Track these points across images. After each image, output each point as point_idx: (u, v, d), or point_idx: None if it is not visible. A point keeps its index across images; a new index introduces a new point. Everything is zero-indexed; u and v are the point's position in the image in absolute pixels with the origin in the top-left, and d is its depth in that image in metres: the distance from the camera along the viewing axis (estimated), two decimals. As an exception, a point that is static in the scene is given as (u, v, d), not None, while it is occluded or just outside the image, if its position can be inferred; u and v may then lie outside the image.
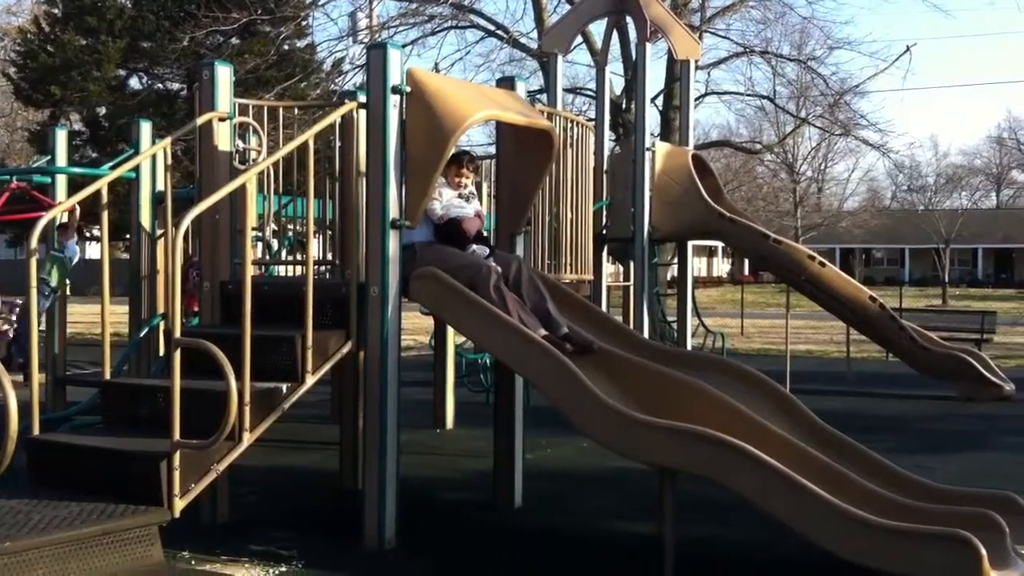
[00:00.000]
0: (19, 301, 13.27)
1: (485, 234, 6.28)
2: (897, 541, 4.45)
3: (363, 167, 5.85)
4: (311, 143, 5.56)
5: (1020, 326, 25.21)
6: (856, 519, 4.52)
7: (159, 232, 8.75)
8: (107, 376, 5.62)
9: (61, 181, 9.23)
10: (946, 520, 4.68)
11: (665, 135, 18.56)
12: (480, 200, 6.39)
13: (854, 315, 11.87)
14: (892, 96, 56.29)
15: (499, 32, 20.75)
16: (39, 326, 5.57)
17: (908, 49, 21.48)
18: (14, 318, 13.72)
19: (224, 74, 6.16)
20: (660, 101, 20.31)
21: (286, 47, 24.45)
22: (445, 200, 6.03)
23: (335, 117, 6.07)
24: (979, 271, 61.64)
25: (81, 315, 19.13)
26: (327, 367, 5.54)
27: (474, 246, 6.01)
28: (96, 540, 4.13)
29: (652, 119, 18.70)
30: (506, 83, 6.86)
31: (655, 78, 19.96)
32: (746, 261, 56.38)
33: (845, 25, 53.73)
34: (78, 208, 8.92)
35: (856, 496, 4.86)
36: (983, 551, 4.27)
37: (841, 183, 58.15)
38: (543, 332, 5.58)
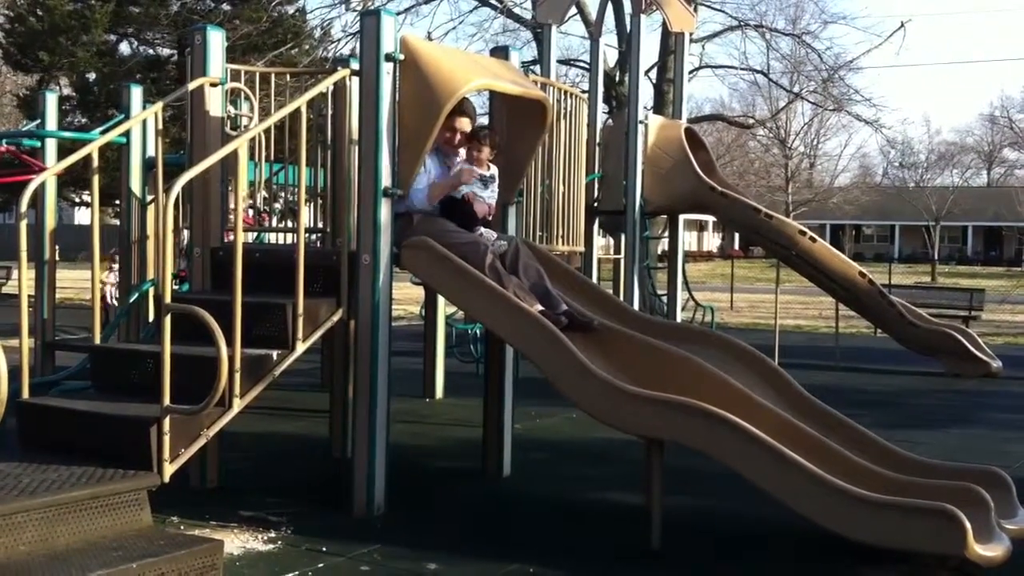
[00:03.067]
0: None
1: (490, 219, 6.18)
2: (883, 514, 4.50)
3: (355, 135, 5.82)
4: (303, 110, 5.53)
5: (1008, 303, 25.34)
6: (842, 491, 4.57)
7: (149, 198, 8.71)
8: (97, 341, 5.61)
9: (51, 145, 9.16)
10: (931, 494, 4.73)
11: (658, 108, 18.52)
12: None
13: (844, 291, 11.96)
14: (886, 72, 56.19)
15: (493, 2, 20.61)
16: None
17: (902, 25, 21.48)
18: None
19: (216, 39, 6.11)
20: (654, 74, 20.25)
21: (276, 13, 24.23)
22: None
23: (327, 84, 6.03)
24: (969, 248, 61.91)
25: (72, 280, 19.05)
26: (318, 335, 5.54)
27: (482, 229, 5.94)
28: (85, 504, 4.13)
29: (645, 92, 18.63)
30: (500, 53, 6.83)
31: (649, 50, 20.01)
32: (736, 236, 56.47)
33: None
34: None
35: (843, 469, 4.91)
36: (968, 524, 4.32)
37: (833, 159, 58.26)
38: (539, 308, 5.57)
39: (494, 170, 6.07)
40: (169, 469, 4.51)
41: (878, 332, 14.31)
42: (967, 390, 11.31)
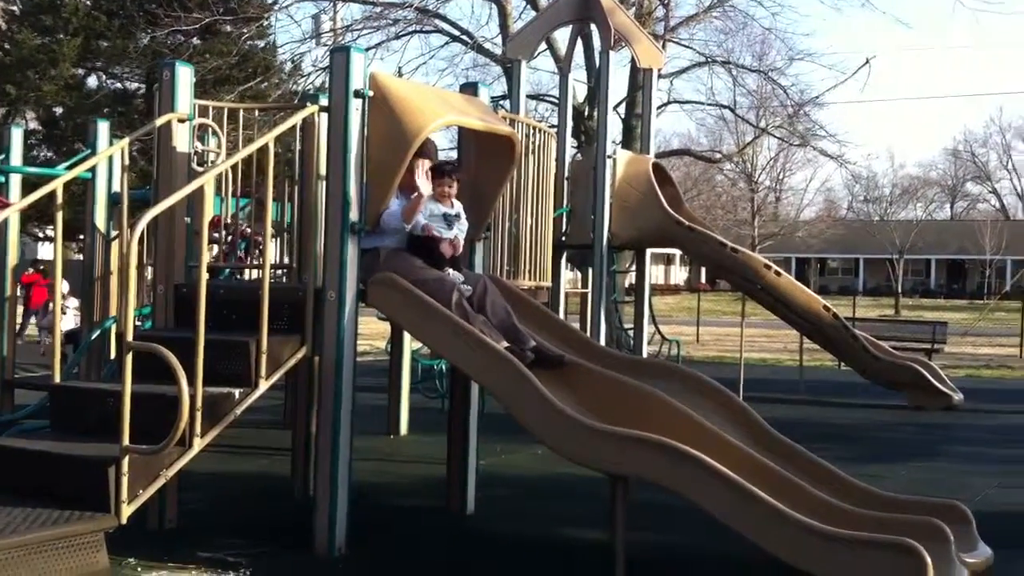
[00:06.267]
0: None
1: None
2: (844, 548, 4.52)
3: (323, 171, 5.82)
4: (271, 145, 5.53)
5: (971, 336, 25.63)
6: (803, 526, 4.58)
7: (114, 233, 8.64)
8: (57, 379, 5.55)
9: (15, 181, 9.08)
10: (893, 528, 4.76)
11: (627, 143, 18.66)
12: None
13: (808, 324, 12.03)
14: (850, 107, 57.02)
15: (463, 37, 20.76)
16: None
17: (867, 61, 21.79)
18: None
19: (185, 75, 6.11)
20: (623, 109, 20.43)
21: (247, 47, 24.24)
22: (428, 213, 5.91)
23: (296, 120, 6.03)
24: (932, 281, 62.62)
25: (33, 317, 18.82)
26: (280, 373, 5.51)
27: (450, 270, 5.92)
28: (41, 546, 4.07)
29: (614, 126, 18.78)
30: (469, 89, 6.87)
31: (618, 86, 20.15)
32: (703, 269, 56.83)
33: (806, 37, 54.43)
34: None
35: (805, 503, 4.92)
36: (928, 559, 4.34)
37: (798, 193, 58.89)
38: (505, 344, 5.56)
39: (459, 207, 6.07)
40: (127, 510, 4.46)
41: (842, 365, 14.43)
42: (929, 423, 11.41)
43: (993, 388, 15.18)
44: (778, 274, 11.64)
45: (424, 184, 5.89)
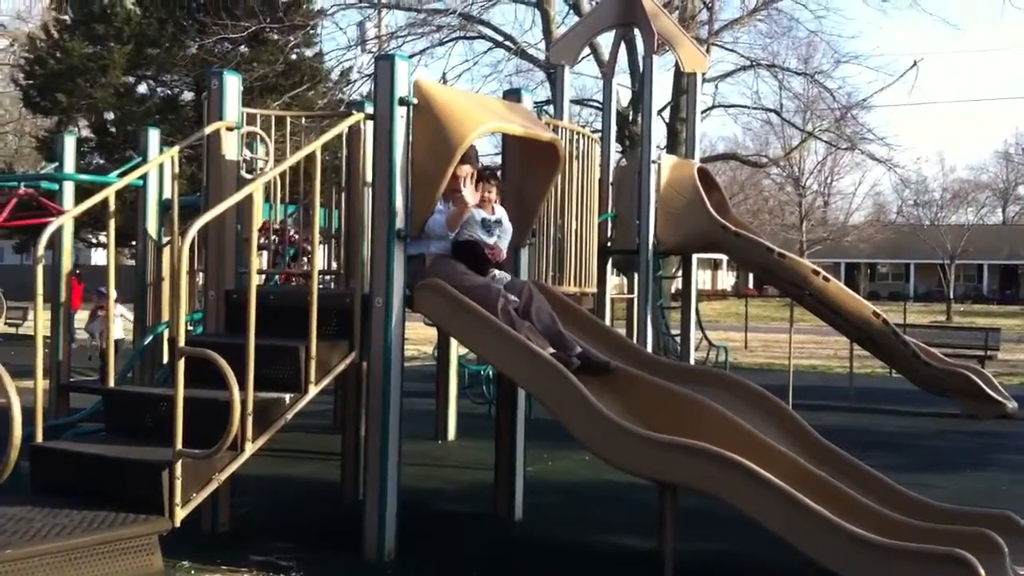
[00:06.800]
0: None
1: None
2: (895, 560, 4.46)
3: (369, 178, 5.87)
4: (318, 153, 5.59)
5: (1024, 343, 25.16)
6: (854, 537, 4.53)
7: (165, 239, 8.78)
8: (111, 384, 5.64)
9: (69, 188, 9.26)
10: (945, 539, 4.69)
11: (671, 147, 18.58)
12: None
13: (857, 330, 11.89)
14: (899, 110, 56.28)
15: (507, 43, 20.78)
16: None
17: (915, 63, 21.46)
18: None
19: (233, 84, 6.20)
20: (667, 113, 20.34)
21: (294, 56, 24.50)
22: (472, 221, 5.94)
23: (342, 128, 6.08)
24: (984, 287, 61.57)
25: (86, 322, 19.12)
26: (330, 378, 5.56)
27: (495, 272, 5.94)
28: (96, 549, 4.15)
29: (658, 131, 18.69)
30: (513, 95, 6.89)
31: (662, 90, 20.11)
32: (751, 275, 56.38)
33: (852, 39, 53.82)
34: None
35: (855, 513, 4.87)
36: (982, 571, 4.27)
37: (847, 197, 58.11)
38: (551, 351, 5.56)
39: (500, 213, 6.09)
40: (181, 514, 4.52)
41: (893, 372, 14.23)
42: (982, 431, 11.22)
43: (1048, 396, 14.86)
44: (826, 279, 11.52)
45: (469, 193, 5.90)
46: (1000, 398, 12.16)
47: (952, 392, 12.25)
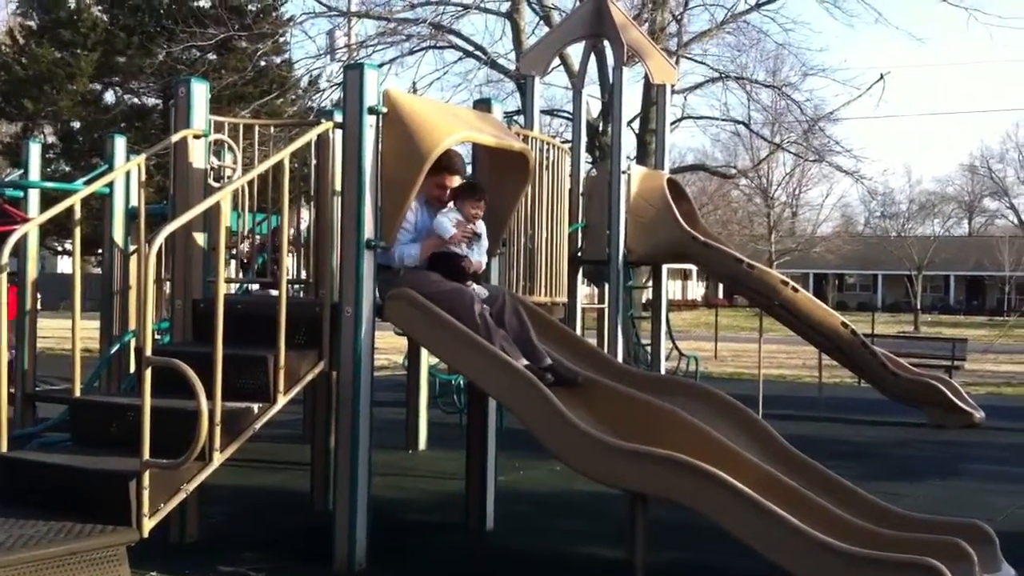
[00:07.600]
0: None
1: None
2: (866, 569, 4.47)
3: (338, 186, 5.84)
4: (286, 162, 5.55)
5: (991, 353, 25.45)
6: (825, 546, 4.54)
7: (132, 248, 8.68)
8: (77, 393, 5.57)
9: (34, 195, 9.14)
10: (914, 548, 4.71)
11: (641, 158, 18.66)
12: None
13: (826, 341, 11.96)
14: (866, 123, 56.89)
15: (477, 53, 20.81)
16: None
17: (882, 77, 21.67)
18: None
19: (200, 91, 6.15)
20: (636, 124, 20.43)
21: (263, 63, 24.39)
22: (455, 221, 5.91)
23: (311, 136, 6.06)
24: (951, 298, 62.32)
25: (51, 330, 18.91)
26: (299, 387, 5.51)
27: (473, 284, 5.91)
28: (63, 560, 4.08)
29: (628, 142, 18.76)
30: (483, 105, 6.89)
31: (632, 101, 20.17)
32: (720, 285, 56.70)
33: (820, 52, 54.39)
34: None
35: (825, 523, 4.89)
36: (951, 579, 4.30)
37: (815, 208, 58.65)
38: (524, 362, 5.53)
39: (481, 227, 6.09)
40: (148, 524, 4.47)
41: (861, 382, 14.34)
42: (950, 441, 11.32)
43: (1015, 406, 15.03)
44: (795, 290, 11.58)
45: (453, 210, 5.90)
46: (967, 408, 12.26)
47: (920, 402, 12.35)
